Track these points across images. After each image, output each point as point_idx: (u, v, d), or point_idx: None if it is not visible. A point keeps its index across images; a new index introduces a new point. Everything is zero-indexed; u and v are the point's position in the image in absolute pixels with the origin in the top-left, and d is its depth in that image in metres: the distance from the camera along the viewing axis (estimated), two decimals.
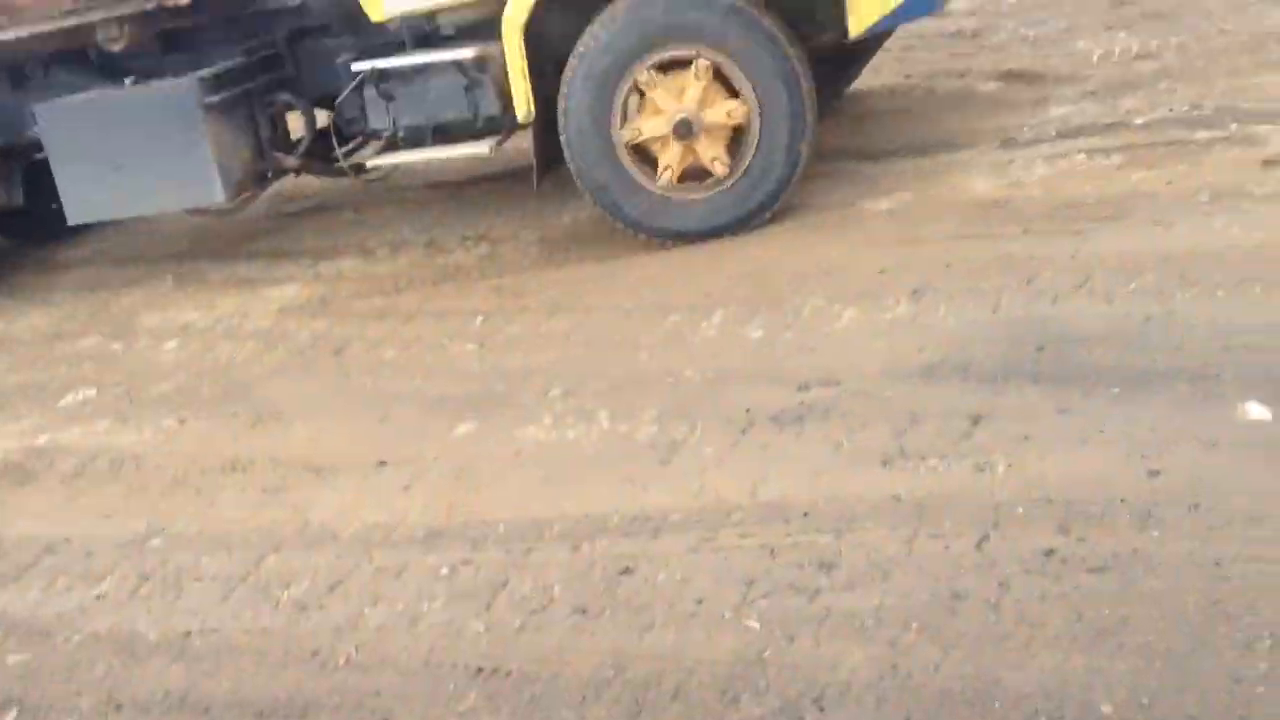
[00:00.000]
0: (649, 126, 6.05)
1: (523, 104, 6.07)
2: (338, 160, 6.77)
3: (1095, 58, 7.38)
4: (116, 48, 6.82)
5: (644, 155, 6.15)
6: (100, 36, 6.79)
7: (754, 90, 5.92)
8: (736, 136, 6.04)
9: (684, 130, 5.98)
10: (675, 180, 6.11)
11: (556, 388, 4.94)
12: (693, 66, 5.92)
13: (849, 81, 7.52)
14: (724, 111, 5.97)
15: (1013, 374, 4.31)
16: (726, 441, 4.25)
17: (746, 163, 6.04)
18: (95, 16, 6.74)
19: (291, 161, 7.00)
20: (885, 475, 3.85)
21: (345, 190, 8.06)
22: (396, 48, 6.45)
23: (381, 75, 6.34)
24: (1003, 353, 4.46)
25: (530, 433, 4.63)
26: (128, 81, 6.82)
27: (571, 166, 6.18)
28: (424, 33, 6.47)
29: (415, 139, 6.46)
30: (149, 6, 6.65)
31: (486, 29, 6.21)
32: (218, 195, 6.71)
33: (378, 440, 4.82)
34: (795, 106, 5.92)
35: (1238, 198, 5.27)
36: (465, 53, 6.20)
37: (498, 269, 6.50)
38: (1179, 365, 4.11)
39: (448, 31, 6.51)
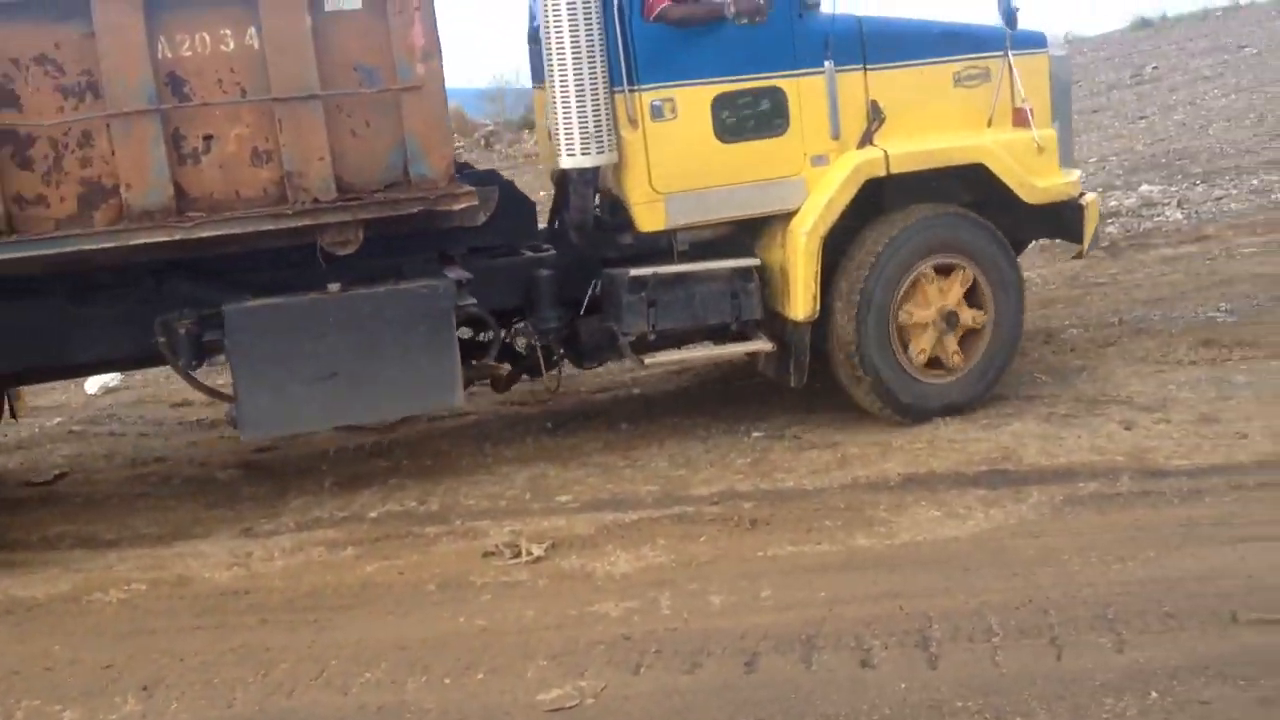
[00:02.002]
0: (919, 313, 7.11)
1: (810, 304, 6.89)
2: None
3: (332, 452, 7.71)
4: (345, 251, 6.27)
5: (902, 339, 7.15)
6: (329, 239, 6.22)
7: (995, 302, 7.26)
8: (967, 337, 7.29)
9: (951, 321, 7.15)
10: (924, 364, 7.18)
11: None
12: (958, 273, 7.19)
13: None
14: (971, 316, 7.24)
15: None
16: None
17: (976, 360, 7.29)
18: (335, 219, 6.15)
19: (503, 368, 7.13)
20: None
21: None
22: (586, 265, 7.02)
23: (644, 283, 6.83)
24: None
25: None
26: (332, 286, 6.34)
27: (854, 355, 7.03)
28: (660, 247, 7.02)
29: (673, 338, 7.13)
30: (403, 211, 6.22)
31: (724, 242, 7.11)
32: (458, 398, 6.62)
33: None
34: (1018, 318, 7.41)
35: (462, 588, 5.64)
36: (744, 261, 7.00)
37: None
38: None
39: (681, 246, 7.04)
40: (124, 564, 6.19)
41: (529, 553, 5.92)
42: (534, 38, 7.68)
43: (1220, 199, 12.70)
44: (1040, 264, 10.81)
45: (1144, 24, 27.58)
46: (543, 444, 7.60)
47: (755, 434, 7.40)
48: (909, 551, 5.65)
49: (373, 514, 6.65)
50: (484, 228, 6.65)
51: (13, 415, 7.61)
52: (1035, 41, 7.63)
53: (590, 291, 7.07)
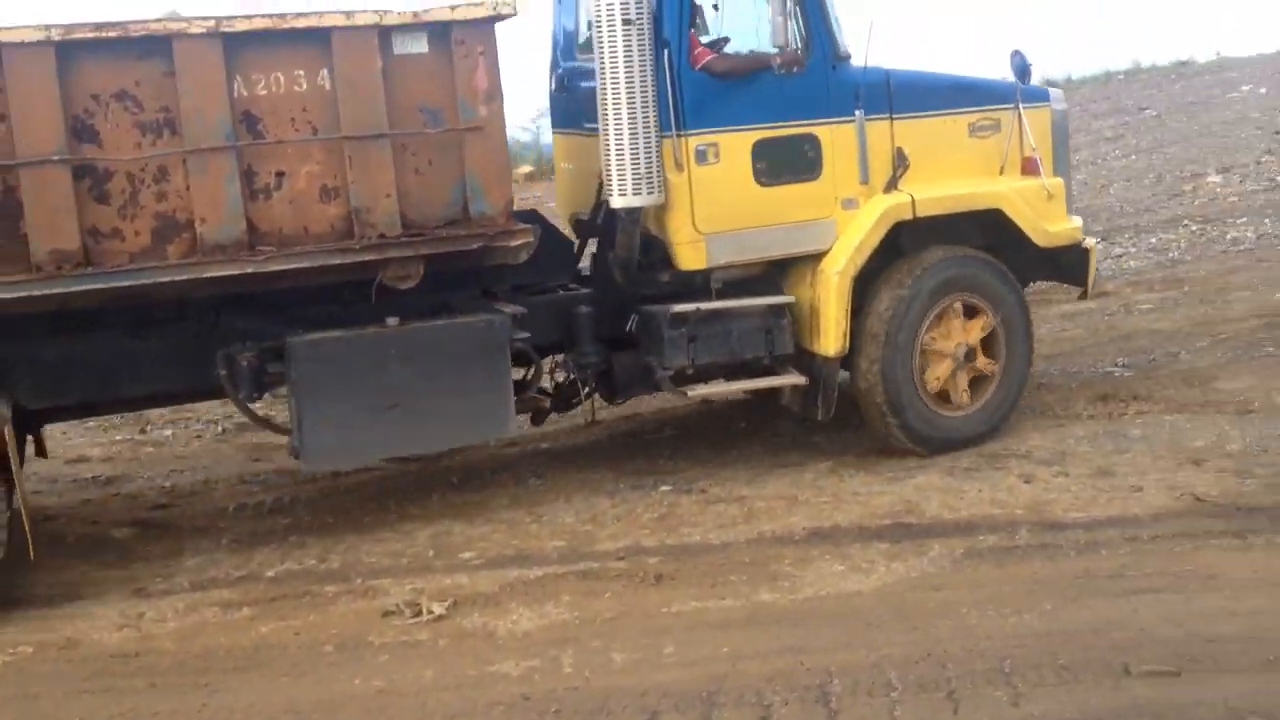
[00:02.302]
0: (940, 369, 7.47)
1: (840, 340, 7.21)
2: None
3: (231, 509, 7.54)
4: (405, 285, 6.39)
5: (923, 371, 7.43)
6: (391, 274, 6.33)
7: (1007, 346, 7.61)
8: (976, 380, 7.62)
9: (970, 355, 7.49)
10: (936, 394, 7.47)
11: None
12: (980, 317, 7.52)
13: None
14: (985, 364, 7.57)
15: None
16: None
17: (984, 399, 7.63)
18: (399, 254, 6.27)
19: (545, 401, 7.35)
20: None
21: None
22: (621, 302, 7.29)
23: (685, 319, 7.06)
24: None
25: None
26: (390, 320, 6.49)
27: (880, 390, 7.32)
28: (694, 285, 7.24)
29: (708, 373, 7.37)
30: (464, 247, 6.39)
31: (754, 281, 7.39)
32: (510, 428, 6.88)
33: None
34: (1027, 360, 7.77)
35: (360, 648, 5.53)
36: (779, 299, 7.30)
37: None
38: None
39: (716, 285, 7.25)
40: (10, 626, 5.98)
41: (430, 611, 5.83)
42: (561, 85, 7.97)
43: (1120, 256, 13.02)
44: None
45: (1049, 85, 28.50)
46: (449, 500, 7.52)
47: (663, 488, 7.39)
48: (812, 606, 5.66)
49: (270, 573, 6.52)
50: (525, 265, 6.81)
51: (40, 453, 7.47)
52: (1040, 96, 8.15)
53: (628, 327, 7.31)
